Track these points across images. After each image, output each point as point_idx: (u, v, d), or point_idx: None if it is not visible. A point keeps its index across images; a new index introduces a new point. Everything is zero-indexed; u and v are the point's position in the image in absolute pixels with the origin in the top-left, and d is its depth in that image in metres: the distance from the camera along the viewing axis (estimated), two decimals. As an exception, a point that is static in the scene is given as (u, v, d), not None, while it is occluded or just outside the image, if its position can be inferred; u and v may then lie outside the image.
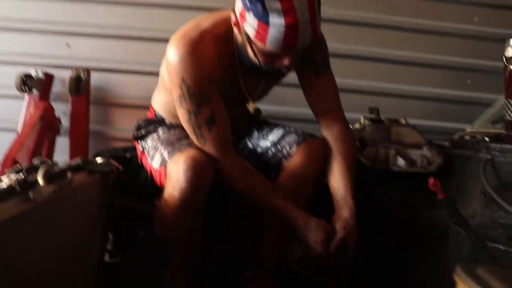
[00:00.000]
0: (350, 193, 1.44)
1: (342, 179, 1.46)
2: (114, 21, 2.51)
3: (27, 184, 1.04)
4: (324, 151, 1.52)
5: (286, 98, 2.49)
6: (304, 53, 1.35)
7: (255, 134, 1.68)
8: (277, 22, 1.17)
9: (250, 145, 1.66)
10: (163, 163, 1.41)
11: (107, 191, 1.45)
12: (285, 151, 1.54)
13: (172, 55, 1.36)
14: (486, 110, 2.16)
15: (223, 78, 1.41)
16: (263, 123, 1.72)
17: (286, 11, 1.16)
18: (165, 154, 1.43)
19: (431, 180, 1.32)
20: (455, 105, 2.63)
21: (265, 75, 1.45)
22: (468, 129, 2.03)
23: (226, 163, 1.41)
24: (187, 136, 1.48)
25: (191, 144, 1.44)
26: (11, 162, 1.93)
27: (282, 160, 1.54)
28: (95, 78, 2.47)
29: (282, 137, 1.59)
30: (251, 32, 1.24)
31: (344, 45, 2.52)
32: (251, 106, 1.56)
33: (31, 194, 1.02)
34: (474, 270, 0.40)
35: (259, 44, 1.25)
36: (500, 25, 2.59)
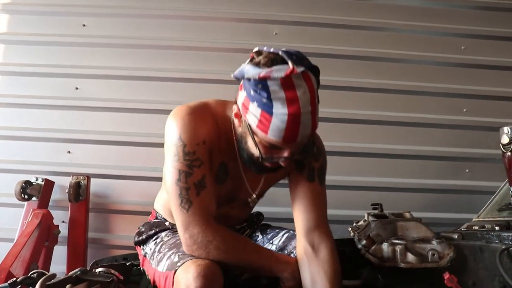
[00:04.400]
0: None
1: None
2: (113, 127, 2.59)
3: (22, 299, 0.99)
4: (333, 251, 1.44)
5: (285, 198, 2.49)
6: (303, 149, 1.33)
7: (260, 238, 1.65)
8: (280, 111, 1.19)
9: None
10: (172, 267, 1.35)
11: (107, 302, 1.36)
12: (293, 256, 1.49)
13: (172, 117, 1.38)
14: (490, 198, 2.14)
15: (216, 156, 1.39)
16: (267, 227, 1.70)
17: (290, 101, 1.18)
18: (175, 258, 1.37)
19: (446, 275, 1.26)
20: (456, 195, 2.62)
21: (263, 170, 1.41)
22: (475, 218, 1.99)
23: (211, 229, 1.33)
24: None
25: None
26: (5, 274, 1.84)
27: None
28: (94, 184, 2.48)
29: (288, 240, 1.55)
30: (253, 122, 1.25)
31: (343, 143, 2.58)
32: (253, 201, 1.54)
33: (27, 310, 0.96)
34: None
35: (260, 133, 1.25)
36: (489, 114, 2.68)
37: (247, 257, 1.38)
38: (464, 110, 2.72)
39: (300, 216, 1.47)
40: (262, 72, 1.17)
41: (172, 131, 1.36)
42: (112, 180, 2.53)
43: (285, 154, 1.28)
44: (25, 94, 2.63)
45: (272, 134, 1.22)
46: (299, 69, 1.17)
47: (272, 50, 1.22)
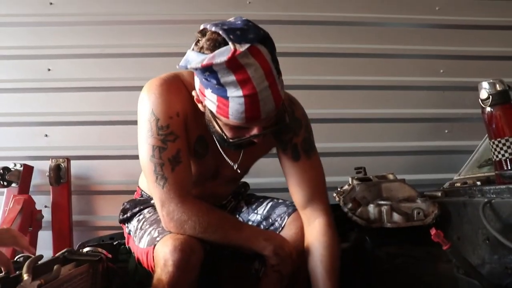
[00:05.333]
0: None
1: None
2: (89, 107, 2.53)
3: (9, 281, 0.97)
4: (327, 224, 1.44)
5: (269, 169, 2.49)
6: (276, 119, 1.27)
7: (245, 209, 1.65)
8: (235, 94, 1.13)
9: (240, 220, 1.62)
10: (152, 242, 1.34)
11: (97, 281, 1.36)
12: (277, 224, 1.50)
13: (144, 92, 1.34)
14: (470, 157, 2.18)
15: (191, 130, 1.36)
16: (251, 198, 1.70)
17: (242, 82, 1.11)
18: (155, 233, 1.37)
19: (433, 231, 1.28)
20: (437, 156, 2.66)
21: (240, 147, 1.37)
22: (456, 176, 2.03)
23: (187, 206, 1.30)
24: None
25: None
26: (-11, 262, 1.81)
27: None
28: (75, 167, 2.44)
29: (272, 209, 1.56)
30: (213, 108, 1.20)
31: (321, 110, 2.57)
32: (236, 170, 1.46)
33: (15, 292, 0.95)
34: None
35: (222, 118, 1.21)
36: (465, 74, 2.70)
37: (226, 235, 1.34)
38: (441, 71, 2.73)
39: (293, 194, 1.48)
40: (205, 59, 1.10)
41: (144, 106, 1.32)
42: (92, 161, 2.49)
43: (254, 131, 1.23)
44: (-5, 79, 2.54)
45: (234, 117, 1.17)
46: (243, 48, 1.08)
47: (214, 29, 1.14)
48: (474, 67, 2.73)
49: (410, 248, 1.60)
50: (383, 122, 2.65)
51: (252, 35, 1.11)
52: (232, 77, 1.11)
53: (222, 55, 1.09)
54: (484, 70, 2.72)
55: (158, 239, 1.32)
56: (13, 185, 2.31)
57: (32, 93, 2.53)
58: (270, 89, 1.15)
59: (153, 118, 1.30)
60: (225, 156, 1.42)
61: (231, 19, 1.19)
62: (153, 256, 1.32)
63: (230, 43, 1.09)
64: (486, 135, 1.75)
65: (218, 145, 1.38)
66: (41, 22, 2.57)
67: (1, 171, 2.27)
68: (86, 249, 1.41)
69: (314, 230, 1.42)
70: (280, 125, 1.29)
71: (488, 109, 1.61)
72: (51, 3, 2.59)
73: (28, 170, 2.37)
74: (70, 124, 2.51)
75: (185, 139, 1.34)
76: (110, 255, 1.49)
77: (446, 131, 2.69)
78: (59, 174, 2.34)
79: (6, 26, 2.57)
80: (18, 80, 2.54)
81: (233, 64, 1.09)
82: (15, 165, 2.33)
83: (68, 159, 2.38)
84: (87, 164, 2.49)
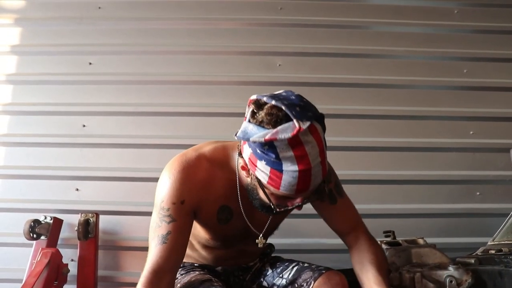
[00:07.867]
0: None
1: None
2: (121, 163, 2.59)
3: None
4: (343, 283, 1.46)
5: (296, 230, 2.47)
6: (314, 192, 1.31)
7: (269, 272, 1.64)
8: (290, 168, 1.16)
9: (265, 283, 1.61)
10: None
11: None
12: None
13: (164, 171, 1.40)
14: (502, 220, 2.11)
15: (211, 204, 1.41)
16: (277, 261, 1.69)
17: (299, 158, 1.15)
18: None
19: (467, 302, 1.23)
20: (468, 218, 2.58)
21: (276, 213, 1.37)
22: (490, 242, 1.96)
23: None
24: (209, 278, 1.45)
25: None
26: (14, 317, 1.82)
27: None
28: (103, 221, 2.47)
29: (298, 273, 1.54)
30: (263, 178, 1.23)
31: (350, 171, 2.57)
32: (260, 241, 1.48)
33: None
34: None
35: (272, 189, 1.24)
36: (496, 136, 2.68)
37: None
38: (471, 132, 2.71)
39: (335, 230, 1.62)
40: (268, 134, 1.13)
41: (160, 185, 1.39)
42: (121, 216, 2.52)
43: (298, 201, 1.27)
44: (32, 133, 2.65)
45: (284, 189, 1.21)
46: (305, 125, 1.13)
47: (274, 103, 1.17)
48: (504, 129, 2.71)
49: (443, 319, 1.52)
50: (412, 183, 2.62)
51: (310, 112, 1.17)
52: (290, 153, 1.15)
53: (285, 131, 1.13)
54: (514, 132, 2.69)
55: None
56: (42, 237, 2.34)
57: (67, 147, 2.62)
58: (321, 164, 1.20)
59: (160, 198, 1.37)
60: (250, 224, 1.46)
61: (282, 92, 1.23)
62: None
63: (294, 120, 1.13)
64: (521, 200, 1.71)
65: (243, 212, 1.44)
66: (80, 80, 2.70)
67: (32, 223, 2.31)
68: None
69: (361, 245, 1.54)
70: (321, 196, 1.33)
71: (521, 175, 1.58)
72: (90, 63, 2.73)
73: (57, 224, 2.40)
74: (101, 179, 2.56)
75: (184, 225, 1.38)
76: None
77: (478, 193, 2.63)
78: (88, 229, 2.36)
79: (46, 84, 2.70)
80: (53, 135, 2.64)
81: (295, 140, 1.13)
82: (45, 217, 2.38)
83: (97, 214, 2.41)
84: (116, 219, 2.52)
